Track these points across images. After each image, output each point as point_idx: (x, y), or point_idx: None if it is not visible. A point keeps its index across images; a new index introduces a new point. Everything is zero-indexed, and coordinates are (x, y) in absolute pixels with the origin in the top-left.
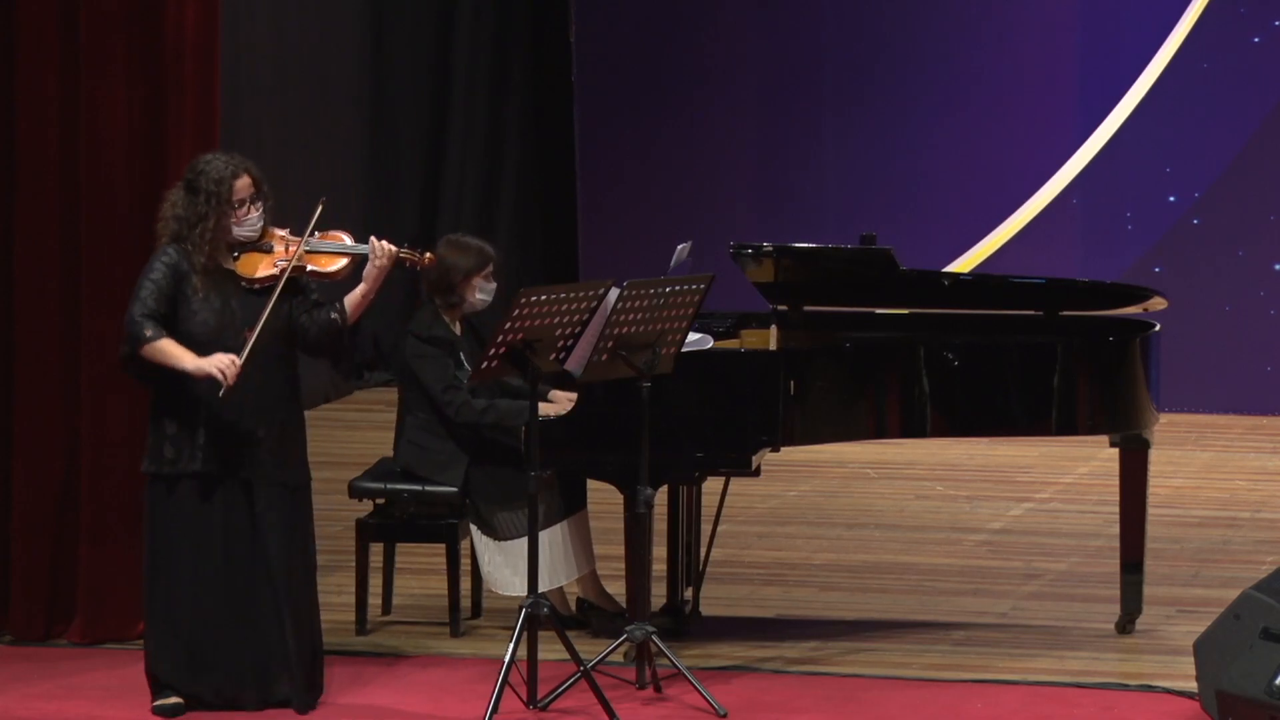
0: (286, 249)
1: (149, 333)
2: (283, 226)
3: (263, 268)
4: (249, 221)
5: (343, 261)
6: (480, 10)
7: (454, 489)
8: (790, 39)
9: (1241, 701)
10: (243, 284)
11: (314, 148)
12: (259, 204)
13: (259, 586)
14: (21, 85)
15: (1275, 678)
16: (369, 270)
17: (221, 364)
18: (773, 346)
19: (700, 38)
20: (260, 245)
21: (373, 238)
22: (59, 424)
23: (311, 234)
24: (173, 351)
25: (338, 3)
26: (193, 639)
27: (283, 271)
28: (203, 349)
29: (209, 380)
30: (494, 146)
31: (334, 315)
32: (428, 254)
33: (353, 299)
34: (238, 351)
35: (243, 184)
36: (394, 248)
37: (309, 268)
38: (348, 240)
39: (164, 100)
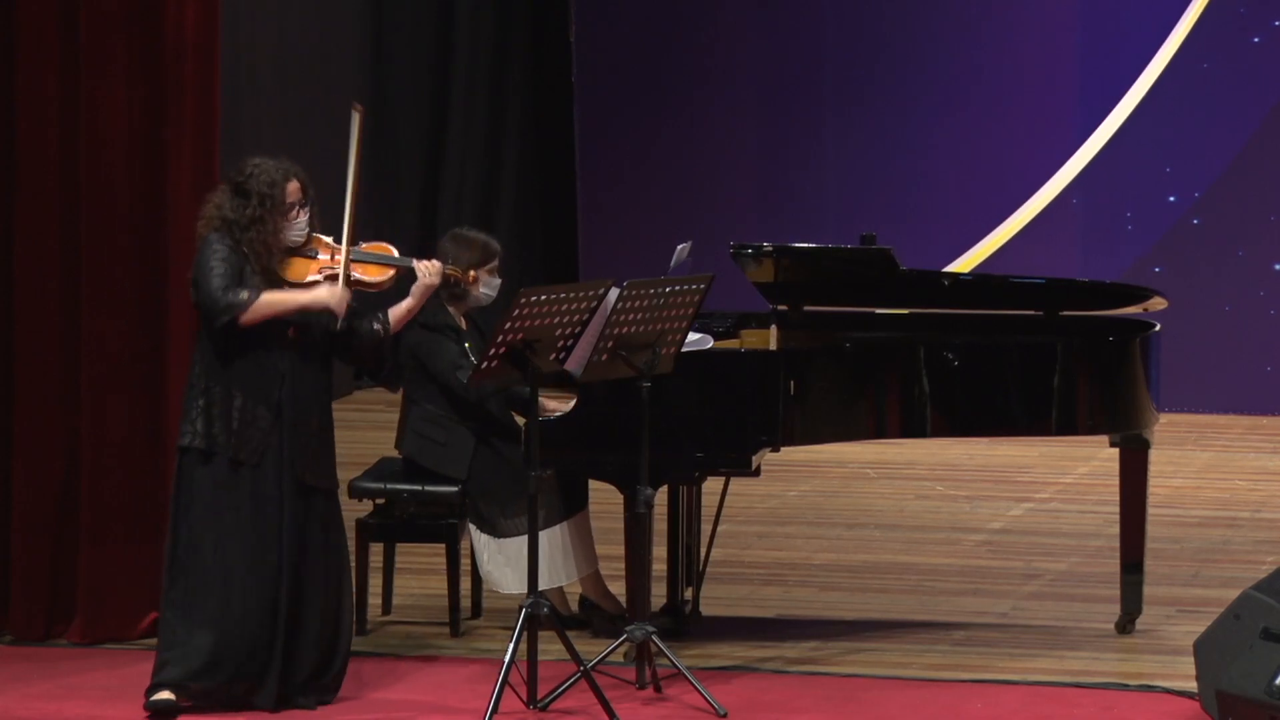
0: (332, 256)
1: (245, 295)
2: (327, 233)
3: (309, 273)
4: (297, 226)
5: (389, 274)
6: (480, 10)
7: (454, 489)
8: (790, 39)
9: (1241, 701)
10: (287, 285)
11: (314, 148)
12: (306, 209)
13: (281, 584)
14: (21, 85)
15: (1275, 678)
16: (418, 287)
17: (338, 298)
18: (773, 346)
19: (700, 38)
20: (305, 250)
21: (417, 261)
22: (59, 424)
23: (355, 242)
24: (279, 296)
25: (338, 3)
26: (212, 628)
27: (331, 275)
28: (247, 347)
29: (271, 359)
30: (494, 146)
31: (377, 326)
32: (470, 272)
33: (398, 312)
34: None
35: (293, 188)
36: (441, 265)
37: (354, 275)
38: (394, 252)
39: (164, 100)
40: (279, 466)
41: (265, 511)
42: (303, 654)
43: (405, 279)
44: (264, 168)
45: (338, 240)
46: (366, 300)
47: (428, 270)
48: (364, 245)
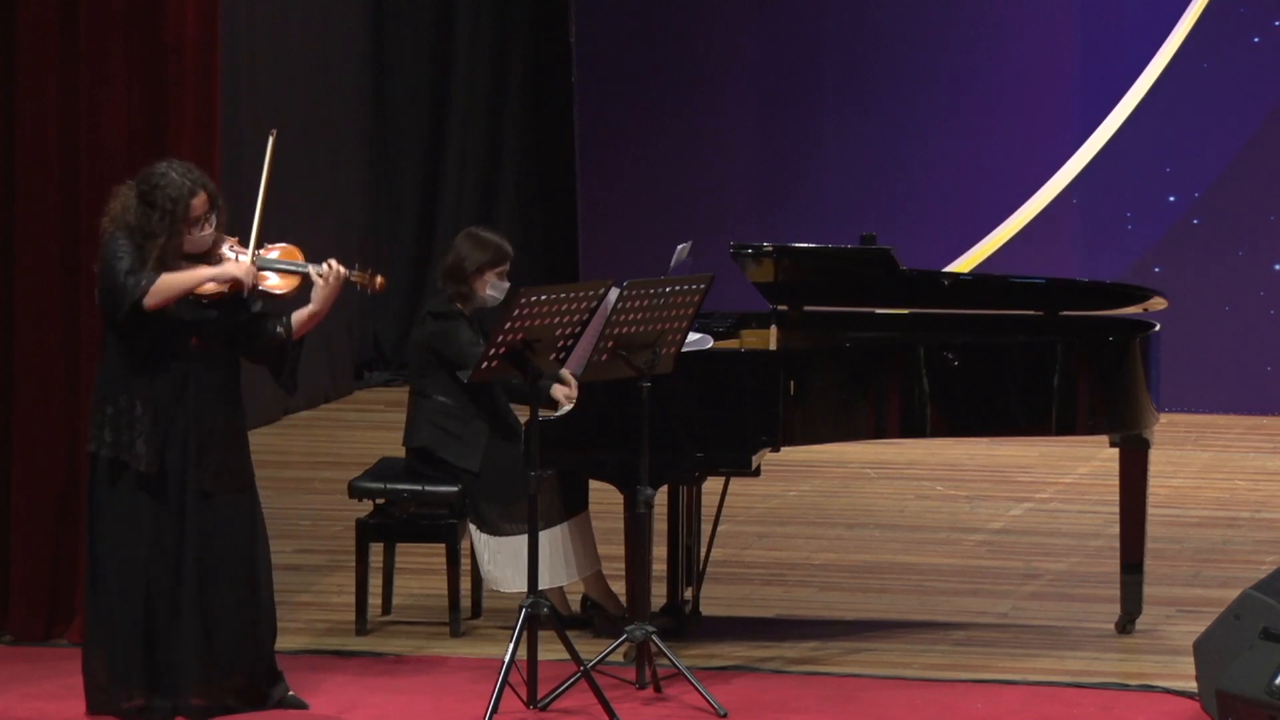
0: (236, 259)
1: (145, 281)
2: (232, 234)
3: (203, 288)
4: (202, 237)
5: (295, 282)
6: (480, 10)
7: (454, 489)
8: (790, 39)
9: (1241, 701)
10: (190, 296)
11: (314, 148)
12: (212, 219)
13: (184, 589)
14: (21, 85)
15: (1275, 678)
16: (316, 292)
17: (241, 270)
18: (773, 346)
19: (700, 38)
20: (209, 258)
21: (329, 261)
22: (59, 424)
23: (260, 245)
24: (181, 274)
25: (338, 3)
26: (124, 640)
27: (232, 289)
28: (149, 356)
29: (167, 372)
30: (494, 146)
31: (279, 330)
32: (379, 277)
33: (300, 317)
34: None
35: (199, 201)
36: (344, 270)
37: (259, 287)
38: (299, 258)
39: (164, 100)
40: (179, 477)
41: (165, 522)
42: (218, 659)
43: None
44: (170, 181)
45: (243, 243)
46: (272, 305)
47: (328, 275)
48: (269, 247)
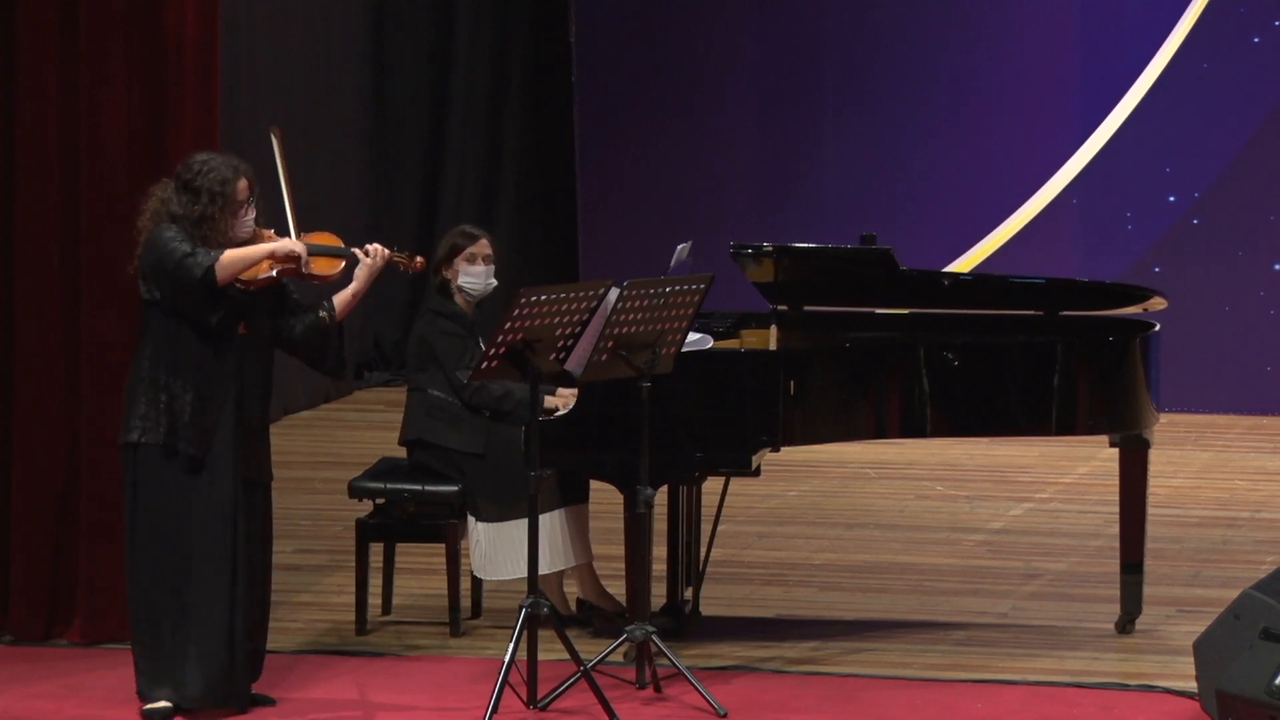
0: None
1: (213, 252)
2: (269, 228)
3: (260, 270)
4: (246, 223)
5: (341, 265)
6: (480, 10)
7: (454, 489)
8: (790, 39)
9: (1241, 701)
10: (238, 284)
11: (314, 148)
12: (253, 205)
13: (219, 577)
14: (21, 85)
15: (1275, 678)
16: (361, 271)
17: (299, 246)
18: (773, 346)
19: (700, 38)
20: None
21: (371, 244)
22: (59, 424)
23: (298, 232)
24: (242, 250)
25: (338, 3)
26: (163, 625)
27: (284, 275)
28: (200, 342)
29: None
30: (494, 146)
31: (323, 314)
32: (418, 258)
33: (343, 298)
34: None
35: (243, 185)
36: (388, 250)
37: (308, 271)
38: (339, 242)
39: (164, 100)
40: (229, 462)
41: (217, 508)
42: (244, 648)
43: (354, 267)
44: (214, 165)
45: (280, 233)
46: (309, 290)
47: (373, 253)
48: (308, 236)
